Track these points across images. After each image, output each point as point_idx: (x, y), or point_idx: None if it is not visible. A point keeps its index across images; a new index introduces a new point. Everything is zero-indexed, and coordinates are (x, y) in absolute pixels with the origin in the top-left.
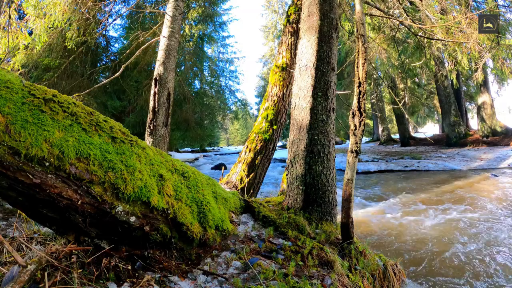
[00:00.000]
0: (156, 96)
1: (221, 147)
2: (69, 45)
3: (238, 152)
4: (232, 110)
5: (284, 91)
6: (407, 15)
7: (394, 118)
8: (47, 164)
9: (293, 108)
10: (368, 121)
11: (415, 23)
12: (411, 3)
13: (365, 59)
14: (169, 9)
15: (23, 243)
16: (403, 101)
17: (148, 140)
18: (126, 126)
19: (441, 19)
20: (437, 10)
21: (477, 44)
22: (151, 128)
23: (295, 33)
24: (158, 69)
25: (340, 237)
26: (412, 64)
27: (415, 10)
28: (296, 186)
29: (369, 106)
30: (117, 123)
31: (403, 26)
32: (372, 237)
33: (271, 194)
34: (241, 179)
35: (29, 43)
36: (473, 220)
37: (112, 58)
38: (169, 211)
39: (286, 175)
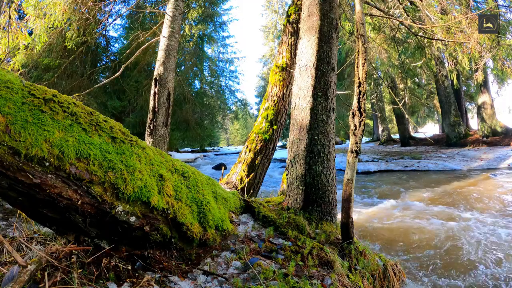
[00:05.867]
0: (156, 96)
1: (221, 147)
2: (69, 45)
3: (238, 152)
4: (232, 110)
5: (284, 91)
6: (407, 15)
7: (394, 118)
8: (47, 164)
9: (293, 108)
10: (368, 121)
11: (415, 23)
12: (411, 3)
13: (365, 59)
14: (169, 9)
15: (23, 243)
16: (403, 101)
17: (148, 140)
18: (126, 126)
19: (441, 19)
20: (437, 10)
21: (478, 44)
22: (151, 128)
23: (295, 33)
24: (158, 69)
25: (340, 237)
26: (412, 64)
27: (415, 10)
28: (296, 186)
29: (369, 106)
30: (117, 123)
31: (403, 26)
32: (371, 237)
33: (271, 194)
34: (241, 179)
35: (29, 43)
36: (473, 221)
37: (112, 58)
38: (169, 211)
39: (286, 175)
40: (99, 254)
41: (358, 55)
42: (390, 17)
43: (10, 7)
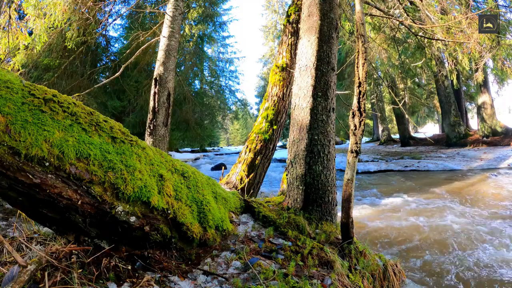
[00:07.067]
0: (156, 96)
1: (221, 147)
2: (69, 45)
3: (238, 152)
4: (232, 110)
5: (284, 91)
6: (407, 15)
7: (394, 118)
8: (47, 164)
9: (293, 108)
10: (368, 121)
11: (415, 23)
12: (411, 3)
13: (365, 59)
14: (169, 9)
15: (23, 243)
16: (403, 101)
17: (148, 140)
18: (126, 126)
19: (441, 19)
20: (437, 10)
21: (478, 44)
22: (151, 128)
23: (295, 33)
24: (158, 69)
25: (340, 237)
26: (412, 64)
27: (415, 10)
28: (296, 186)
29: (369, 106)
30: (117, 123)
31: (403, 26)
32: (371, 237)
33: (271, 194)
34: (241, 179)
35: (29, 43)
36: (473, 221)
37: (112, 58)
38: (169, 211)
39: (286, 175)
40: (99, 254)
41: (358, 55)
42: (390, 17)
43: (10, 7)
